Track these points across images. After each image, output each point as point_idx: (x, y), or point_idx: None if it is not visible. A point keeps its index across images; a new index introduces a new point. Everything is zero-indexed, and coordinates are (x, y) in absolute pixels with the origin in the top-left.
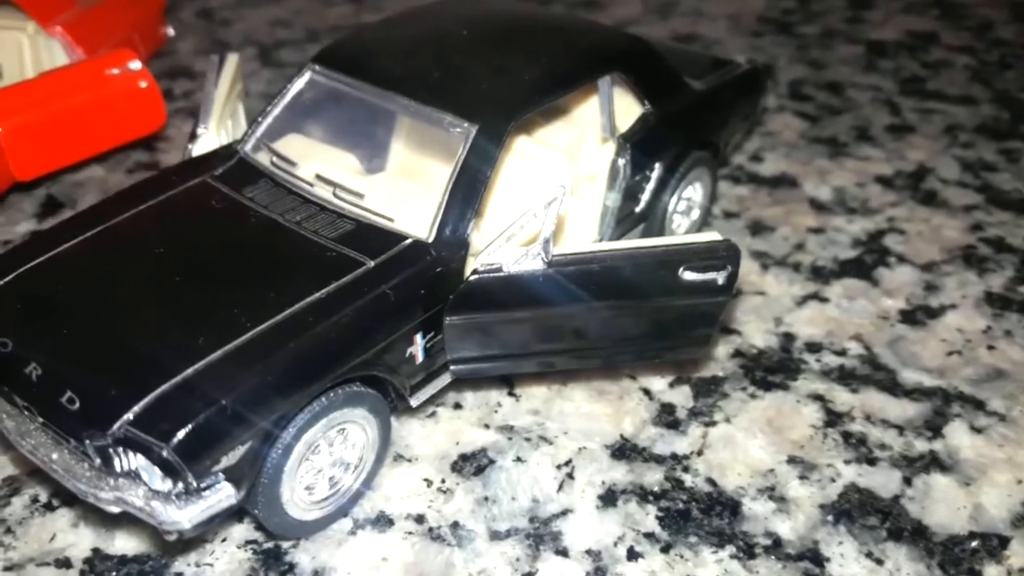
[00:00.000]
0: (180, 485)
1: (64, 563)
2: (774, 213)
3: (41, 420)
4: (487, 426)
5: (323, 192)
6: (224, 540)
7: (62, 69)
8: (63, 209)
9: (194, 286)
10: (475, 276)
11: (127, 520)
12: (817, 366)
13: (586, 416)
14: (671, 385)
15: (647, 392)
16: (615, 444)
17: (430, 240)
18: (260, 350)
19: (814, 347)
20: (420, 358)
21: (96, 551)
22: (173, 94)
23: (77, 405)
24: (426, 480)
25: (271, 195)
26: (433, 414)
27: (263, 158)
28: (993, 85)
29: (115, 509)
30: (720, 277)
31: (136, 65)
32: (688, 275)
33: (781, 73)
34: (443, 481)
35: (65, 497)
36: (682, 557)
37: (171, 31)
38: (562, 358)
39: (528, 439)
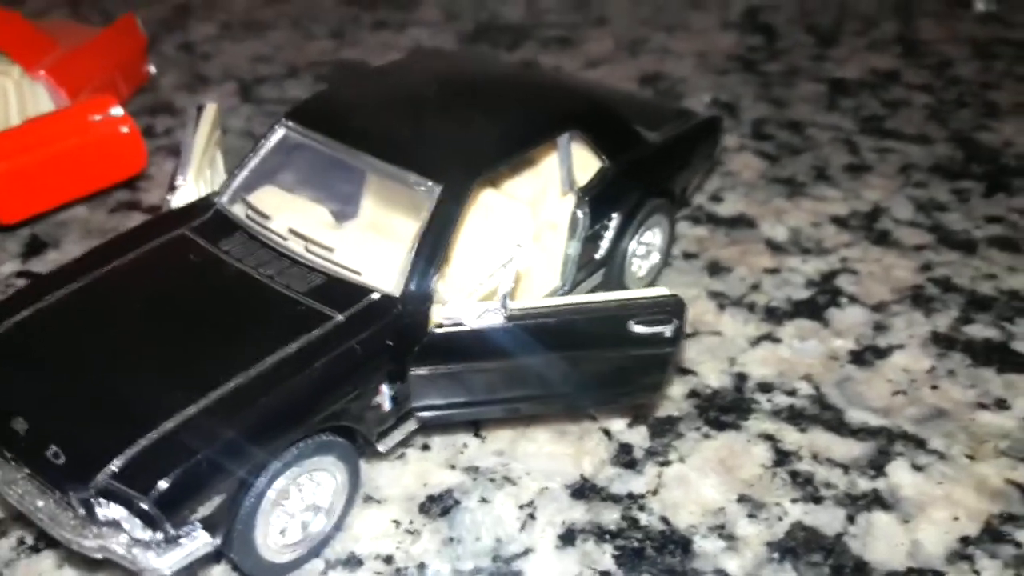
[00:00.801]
0: (160, 534)
1: None
2: (731, 254)
3: (27, 471)
4: (453, 467)
5: (295, 246)
6: None
7: (46, 116)
8: (47, 248)
9: (172, 340)
10: (439, 330)
11: (110, 563)
12: (768, 406)
13: (548, 456)
14: (629, 425)
15: (607, 432)
16: (575, 484)
17: (397, 294)
18: (234, 404)
19: (766, 387)
20: (387, 406)
21: None
22: (155, 131)
23: (62, 459)
24: (395, 521)
25: (246, 248)
26: (402, 456)
27: (239, 210)
28: (948, 124)
29: (98, 555)
30: (667, 330)
31: (118, 111)
32: (637, 328)
33: (744, 112)
34: (411, 522)
35: (50, 539)
36: None
37: (153, 69)
38: (522, 405)
39: (493, 479)
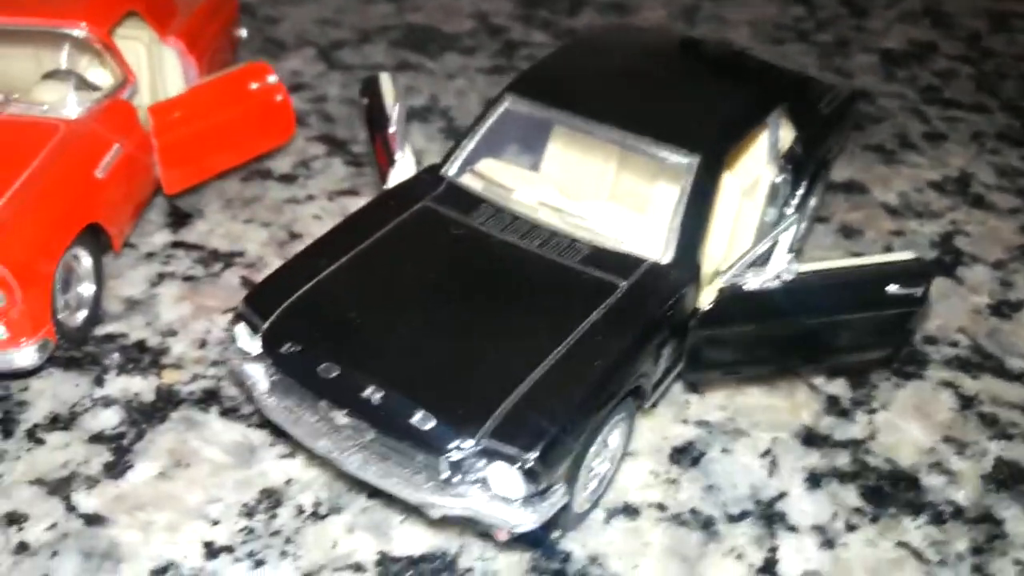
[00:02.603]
0: (532, 490)
1: (357, 567)
2: (856, 218)
3: (372, 437)
4: (685, 421)
5: (547, 217)
6: None
7: (206, 84)
8: (192, 219)
9: (477, 308)
10: (722, 295)
11: (399, 522)
12: (939, 357)
13: (767, 409)
14: (827, 379)
15: (812, 386)
16: (802, 433)
17: (666, 262)
18: (575, 368)
19: (931, 340)
20: (663, 367)
21: (382, 554)
22: None
23: (431, 423)
24: (652, 472)
25: (499, 220)
26: None
27: (471, 183)
28: (998, 94)
29: (439, 514)
30: (918, 291)
31: (273, 79)
32: (892, 289)
33: None
34: (667, 472)
35: (330, 504)
36: (890, 526)
37: (244, 32)
38: (787, 363)
39: (726, 432)
